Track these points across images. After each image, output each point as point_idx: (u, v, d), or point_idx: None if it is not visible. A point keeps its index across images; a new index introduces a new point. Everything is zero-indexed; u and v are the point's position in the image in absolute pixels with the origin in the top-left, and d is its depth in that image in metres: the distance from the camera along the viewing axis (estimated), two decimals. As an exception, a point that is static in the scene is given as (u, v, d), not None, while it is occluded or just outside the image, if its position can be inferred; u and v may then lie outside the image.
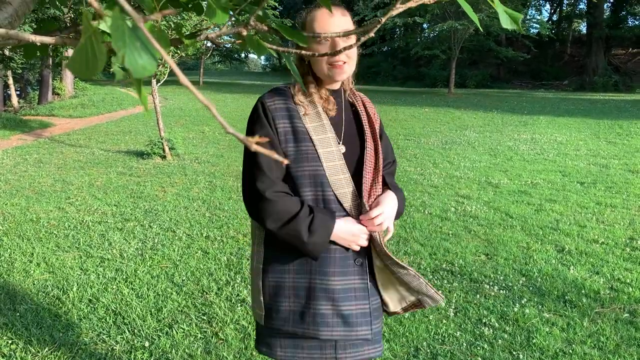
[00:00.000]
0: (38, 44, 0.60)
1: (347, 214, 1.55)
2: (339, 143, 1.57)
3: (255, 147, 0.35)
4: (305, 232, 1.46)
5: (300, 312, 1.54)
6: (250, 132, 1.56)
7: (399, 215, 1.66)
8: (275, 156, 0.36)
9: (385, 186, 1.66)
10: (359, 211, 1.56)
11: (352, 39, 1.51)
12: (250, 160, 1.53)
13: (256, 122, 1.54)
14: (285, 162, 0.39)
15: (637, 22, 35.01)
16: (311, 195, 1.52)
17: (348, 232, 1.51)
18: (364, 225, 1.54)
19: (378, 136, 1.64)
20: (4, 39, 0.85)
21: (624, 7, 33.64)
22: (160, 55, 0.33)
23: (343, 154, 1.56)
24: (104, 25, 0.35)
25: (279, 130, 1.52)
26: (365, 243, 1.55)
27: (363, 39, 0.83)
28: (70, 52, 15.77)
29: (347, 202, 1.54)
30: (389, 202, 1.58)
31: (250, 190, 1.52)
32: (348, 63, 1.53)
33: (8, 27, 0.83)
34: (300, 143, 1.52)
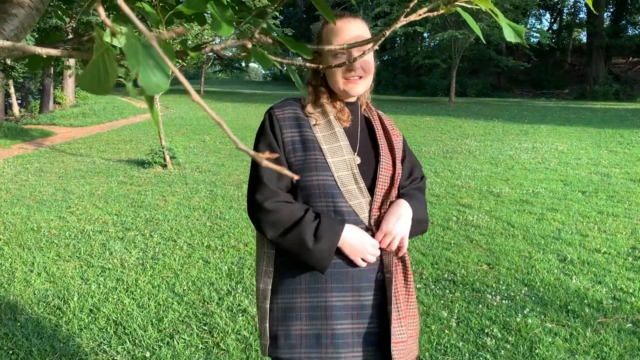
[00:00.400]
0: (44, 56, 0.60)
1: (365, 226, 1.46)
2: (353, 153, 1.50)
3: (265, 163, 0.35)
4: (311, 238, 1.37)
5: (315, 334, 1.44)
6: (256, 142, 1.53)
7: (421, 225, 1.56)
8: (286, 172, 0.35)
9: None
10: (373, 222, 1.47)
11: (369, 56, 1.48)
12: (252, 171, 1.49)
13: (261, 133, 1.51)
14: (295, 177, 0.38)
15: (637, 31, 35.19)
16: (322, 206, 1.45)
17: (359, 241, 1.41)
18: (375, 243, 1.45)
19: (396, 150, 1.57)
20: (10, 51, 0.86)
21: (624, 16, 33.83)
22: (170, 71, 0.33)
23: (358, 165, 1.49)
24: (116, 42, 0.35)
25: (285, 140, 1.47)
26: (372, 259, 1.44)
27: (367, 51, 0.84)
28: (72, 61, 15.81)
29: (364, 213, 1.46)
30: (399, 214, 1.47)
31: (250, 202, 1.47)
32: (364, 78, 1.49)
33: (14, 39, 0.83)
34: (308, 152, 1.45)
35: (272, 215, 1.41)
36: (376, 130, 1.57)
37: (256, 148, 1.50)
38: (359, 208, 1.45)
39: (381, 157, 1.52)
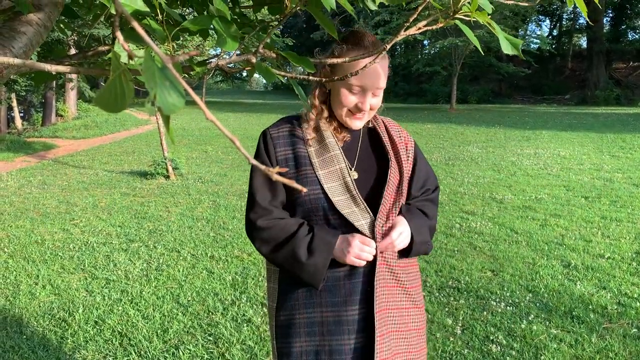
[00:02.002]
0: (53, 72, 0.62)
1: (361, 234, 1.44)
2: (350, 168, 1.48)
3: (276, 177, 0.37)
4: (304, 252, 1.38)
5: (314, 351, 1.44)
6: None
7: (423, 246, 1.52)
8: (295, 185, 0.37)
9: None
10: (373, 228, 1.44)
11: (380, 95, 1.45)
12: (248, 190, 1.50)
13: (256, 154, 1.52)
14: (305, 190, 0.40)
15: (637, 36, 35.27)
16: (316, 220, 1.45)
17: (351, 243, 1.39)
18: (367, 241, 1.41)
19: (402, 160, 1.54)
20: (19, 68, 0.88)
21: (623, 21, 33.92)
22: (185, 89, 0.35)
23: (355, 179, 1.47)
24: (132, 64, 0.36)
25: (278, 158, 1.47)
26: (368, 257, 1.40)
27: (369, 64, 0.85)
28: (74, 75, 15.92)
29: (359, 221, 1.43)
30: (400, 230, 1.45)
31: (246, 221, 1.50)
32: (369, 113, 1.48)
33: (23, 56, 0.85)
34: (300, 168, 1.45)
35: (264, 232, 1.43)
36: (383, 140, 1.54)
37: (252, 168, 1.50)
38: (353, 216, 1.42)
39: (391, 167, 1.50)
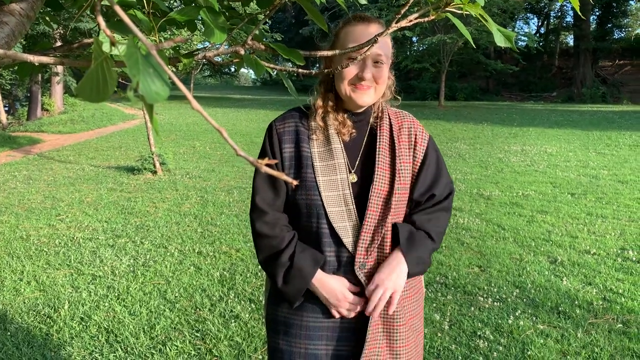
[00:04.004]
0: (36, 63, 0.60)
1: (347, 251, 1.39)
2: (350, 171, 1.43)
3: (265, 169, 0.36)
4: (280, 279, 1.37)
5: (289, 351, 1.44)
6: (259, 157, 1.46)
7: (419, 266, 1.43)
8: (284, 177, 0.36)
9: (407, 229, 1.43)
10: (362, 248, 1.39)
11: (381, 66, 1.38)
12: (252, 186, 1.47)
13: (262, 148, 1.49)
14: (295, 182, 0.38)
15: (622, 35, 35.62)
16: (310, 226, 1.41)
17: (332, 294, 1.37)
18: (355, 300, 1.38)
19: (402, 164, 1.45)
20: (1, 59, 0.86)
21: (609, 19, 34.22)
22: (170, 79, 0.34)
23: (353, 183, 1.41)
24: (115, 51, 0.35)
25: (284, 155, 1.43)
26: (348, 314, 1.40)
27: (360, 57, 0.84)
28: (60, 68, 15.70)
29: (348, 237, 1.38)
30: (392, 268, 1.38)
31: (250, 218, 1.47)
32: (375, 88, 1.39)
33: (5, 46, 0.83)
34: (302, 169, 1.40)
35: (259, 238, 1.43)
36: (377, 144, 1.44)
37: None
38: (343, 231, 1.38)
39: (375, 177, 1.40)
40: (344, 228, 1.38)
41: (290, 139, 1.43)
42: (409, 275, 1.41)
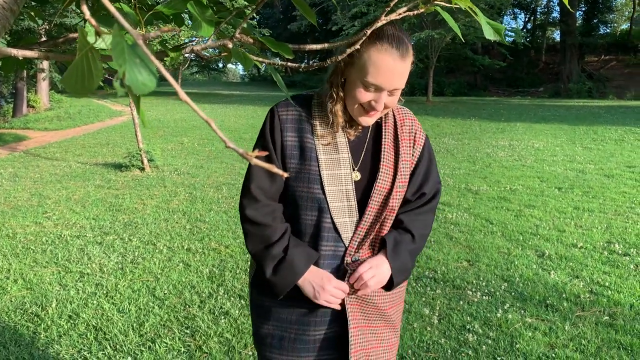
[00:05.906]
0: (20, 58, 0.59)
1: (344, 245, 1.40)
2: (354, 168, 1.41)
3: (255, 162, 0.35)
4: (270, 270, 1.36)
5: (279, 335, 1.46)
6: (255, 143, 1.46)
7: (404, 274, 1.46)
8: (275, 170, 0.35)
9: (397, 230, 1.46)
10: (356, 242, 1.41)
11: (396, 94, 1.34)
12: (246, 172, 1.44)
13: (260, 135, 1.43)
14: (285, 175, 0.38)
15: (608, 30, 35.93)
16: (309, 219, 1.39)
17: (318, 284, 1.37)
18: (342, 286, 1.39)
19: (402, 163, 1.44)
20: (-16, 53, 0.84)
21: (595, 15, 34.51)
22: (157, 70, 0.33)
23: (357, 180, 1.40)
24: (100, 42, 0.34)
25: (285, 144, 1.39)
26: (333, 306, 1.40)
27: (349, 51, 0.84)
28: (45, 64, 15.51)
29: (347, 233, 1.39)
30: (375, 270, 1.40)
31: (239, 202, 1.44)
32: (382, 112, 1.36)
33: (-12, 41, 0.82)
34: (305, 161, 1.37)
35: (248, 225, 1.41)
36: (382, 142, 1.43)
37: (253, 149, 1.45)
38: (343, 227, 1.39)
39: (379, 175, 1.40)
40: (344, 224, 1.39)
41: (293, 127, 1.39)
42: (395, 284, 1.44)
